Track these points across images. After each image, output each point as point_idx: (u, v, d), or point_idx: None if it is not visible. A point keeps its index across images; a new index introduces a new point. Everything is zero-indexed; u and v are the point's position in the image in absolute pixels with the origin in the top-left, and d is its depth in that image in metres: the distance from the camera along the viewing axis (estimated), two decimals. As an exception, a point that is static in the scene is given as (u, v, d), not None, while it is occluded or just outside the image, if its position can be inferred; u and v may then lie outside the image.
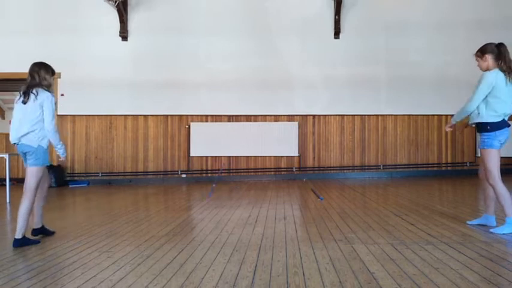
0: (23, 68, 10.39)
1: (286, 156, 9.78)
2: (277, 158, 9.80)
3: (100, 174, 9.66)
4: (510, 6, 9.84)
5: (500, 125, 3.79)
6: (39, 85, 3.94)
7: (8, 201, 6.76)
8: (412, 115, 9.82)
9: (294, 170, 9.78)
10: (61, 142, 3.99)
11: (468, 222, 4.24)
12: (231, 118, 9.80)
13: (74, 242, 3.85)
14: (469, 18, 9.76)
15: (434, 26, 9.78)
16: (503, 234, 3.77)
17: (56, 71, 11.05)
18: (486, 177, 3.88)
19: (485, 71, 3.94)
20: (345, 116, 9.84)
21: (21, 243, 3.75)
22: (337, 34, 9.76)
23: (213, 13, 9.81)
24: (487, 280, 2.58)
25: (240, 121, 9.77)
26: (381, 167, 9.80)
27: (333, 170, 9.79)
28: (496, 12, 9.78)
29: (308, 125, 9.82)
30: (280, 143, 9.63)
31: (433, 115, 9.79)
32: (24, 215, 3.80)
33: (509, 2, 9.84)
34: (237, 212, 5.31)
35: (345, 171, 9.82)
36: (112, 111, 9.67)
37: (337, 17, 9.67)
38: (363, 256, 3.19)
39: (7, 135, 10.22)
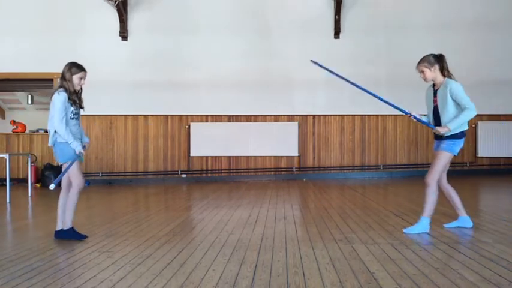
0: (22, 68, 10.45)
1: (286, 156, 9.77)
2: (277, 158, 9.79)
3: (100, 174, 9.66)
4: (511, 6, 9.83)
5: (465, 132, 3.94)
6: (60, 86, 4.01)
7: (8, 201, 6.76)
8: (412, 115, 9.81)
9: (294, 170, 9.78)
10: (71, 138, 3.91)
11: (445, 225, 4.17)
12: (231, 118, 9.80)
13: (74, 242, 3.84)
14: (469, 18, 9.74)
15: (435, 25, 9.77)
16: (416, 233, 3.84)
17: (56, 71, 10.99)
18: (426, 176, 3.95)
19: (429, 81, 4.10)
20: (345, 116, 9.84)
21: (70, 235, 3.89)
22: (337, 34, 9.75)
23: (213, 13, 9.80)
24: (487, 280, 2.58)
25: (240, 121, 9.76)
26: (381, 167, 9.80)
27: (333, 170, 9.79)
28: (496, 13, 9.77)
29: (308, 125, 9.81)
30: (280, 143, 9.62)
31: (433, 115, 9.78)
32: (70, 206, 3.91)
33: (510, 2, 9.83)
34: (237, 212, 5.31)
35: (345, 171, 9.82)
36: (112, 111, 9.67)
37: (337, 17, 9.66)
38: (363, 256, 3.18)
39: (7, 135, 10.23)
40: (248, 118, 9.78)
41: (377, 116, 9.80)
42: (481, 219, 4.62)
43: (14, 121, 10.68)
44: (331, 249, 3.40)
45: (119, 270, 2.97)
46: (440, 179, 4.09)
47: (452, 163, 9.61)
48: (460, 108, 3.87)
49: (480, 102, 10.17)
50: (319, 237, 3.87)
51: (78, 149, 3.94)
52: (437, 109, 3.99)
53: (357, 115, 9.82)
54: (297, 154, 9.73)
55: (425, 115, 4.18)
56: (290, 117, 9.77)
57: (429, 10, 9.83)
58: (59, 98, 3.91)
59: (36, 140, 10.11)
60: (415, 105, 9.97)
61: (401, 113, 4.26)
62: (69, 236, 3.93)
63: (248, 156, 9.76)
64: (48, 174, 9.15)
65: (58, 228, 4.01)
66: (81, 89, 4.17)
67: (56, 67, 10.31)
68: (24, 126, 10.54)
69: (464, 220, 4.12)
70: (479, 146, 9.66)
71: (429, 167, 4.13)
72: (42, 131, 10.44)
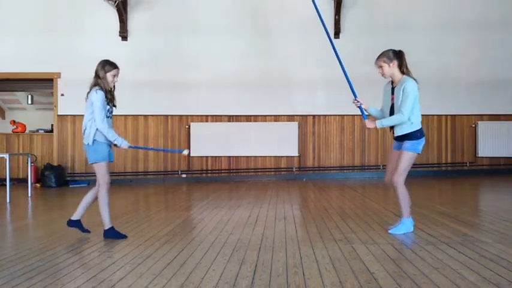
0: (22, 68, 10.43)
1: (286, 156, 9.77)
2: (277, 158, 9.78)
3: (100, 174, 9.65)
4: (511, 6, 9.83)
5: (423, 131, 3.98)
6: (95, 84, 4.02)
7: (8, 201, 6.76)
8: (412, 115, 9.80)
9: (294, 170, 9.78)
10: (115, 135, 3.99)
11: (389, 231, 4.02)
12: (231, 118, 9.79)
13: (74, 242, 3.85)
14: (469, 18, 9.74)
15: (435, 26, 9.77)
16: (402, 234, 3.84)
17: (56, 71, 11.02)
18: (394, 177, 3.91)
19: (387, 77, 4.09)
20: (345, 116, 9.83)
21: (110, 234, 3.94)
22: (337, 34, 9.74)
23: (213, 13, 9.80)
24: (487, 280, 2.58)
25: (240, 121, 9.76)
26: (381, 167, 9.79)
27: (333, 170, 9.79)
28: (496, 13, 9.77)
29: (308, 125, 9.81)
30: (280, 143, 9.62)
31: (433, 115, 9.78)
32: (102, 206, 3.95)
33: (510, 2, 9.83)
34: (237, 212, 5.31)
35: (345, 171, 9.81)
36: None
37: (337, 17, 9.65)
38: (363, 256, 3.19)
39: (7, 135, 10.22)
40: (248, 118, 9.77)
41: (377, 116, 9.78)
42: (481, 219, 4.62)
43: (14, 121, 10.68)
44: (331, 249, 3.40)
45: (119, 270, 2.97)
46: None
47: (452, 163, 9.72)
48: (415, 107, 3.88)
49: (480, 102, 10.30)
50: (319, 237, 3.87)
51: (125, 144, 4.01)
52: (394, 107, 3.99)
53: (357, 115, 9.78)
54: (297, 154, 9.73)
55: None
56: (290, 117, 9.76)
57: (429, 10, 9.82)
58: (98, 97, 3.92)
59: (36, 140, 10.11)
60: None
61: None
62: (110, 235, 3.97)
63: (248, 156, 9.76)
64: (48, 174, 9.14)
65: (74, 218, 4.09)
66: (114, 87, 4.16)
67: (56, 67, 10.32)
68: (24, 126, 10.54)
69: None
70: (479, 146, 9.65)
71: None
72: (42, 131, 10.45)
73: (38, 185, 9.30)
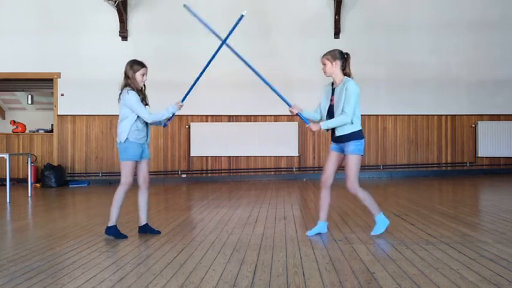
0: (22, 68, 10.44)
1: (286, 156, 9.77)
2: (277, 158, 9.78)
3: (100, 174, 9.66)
4: (511, 6, 9.83)
5: (363, 132, 3.93)
6: (125, 85, 4.10)
7: (8, 201, 6.76)
8: (412, 115, 9.81)
9: (294, 170, 9.78)
10: (163, 112, 4.11)
11: (308, 233, 4.00)
12: (231, 118, 9.79)
13: (74, 242, 3.85)
14: (469, 18, 9.74)
15: (435, 26, 9.77)
16: (383, 232, 3.83)
17: (56, 71, 11.01)
18: (348, 185, 3.85)
19: (328, 75, 4.11)
20: (345, 116, 9.81)
21: (111, 232, 3.96)
22: (337, 34, 9.74)
23: (212, 13, 9.77)
24: (487, 280, 2.59)
25: (240, 121, 9.75)
26: (381, 167, 9.79)
27: (333, 170, 9.77)
28: (496, 12, 9.77)
29: (308, 125, 9.79)
30: (280, 143, 9.62)
31: (433, 115, 9.78)
32: (114, 203, 3.98)
33: (510, 2, 9.83)
34: (237, 212, 5.31)
35: (345, 171, 9.79)
36: (112, 111, 9.65)
37: (337, 17, 9.65)
38: (363, 256, 3.19)
39: (7, 135, 10.22)
40: (248, 118, 9.77)
41: (377, 116, 9.79)
42: (481, 219, 4.62)
43: (14, 121, 10.68)
44: (331, 249, 3.40)
45: (119, 270, 2.97)
46: (328, 180, 4.04)
47: (452, 163, 9.73)
48: (356, 108, 3.84)
49: (480, 102, 10.28)
50: (319, 237, 3.87)
51: (175, 109, 4.22)
52: (333, 108, 3.94)
53: (356, 115, 9.80)
54: (297, 154, 9.73)
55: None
56: (290, 117, 9.75)
57: (429, 10, 9.82)
58: (131, 98, 4.00)
59: (36, 140, 10.11)
60: (413, 105, 9.99)
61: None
62: (112, 233, 3.97)
63: (248, 156, 9.75)
64: (48, 174, 9.14)
65: (140, 224, 4.16)
66: (144, 86, 4.21)
67: (56, 67, 10.33)
68: (24, 126, 10.55)
69: (321, 225, 4.04)
70: (479, 146, 9.66)
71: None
72: (42, 131, 10.45)
73: (38, 185, 9.30)
